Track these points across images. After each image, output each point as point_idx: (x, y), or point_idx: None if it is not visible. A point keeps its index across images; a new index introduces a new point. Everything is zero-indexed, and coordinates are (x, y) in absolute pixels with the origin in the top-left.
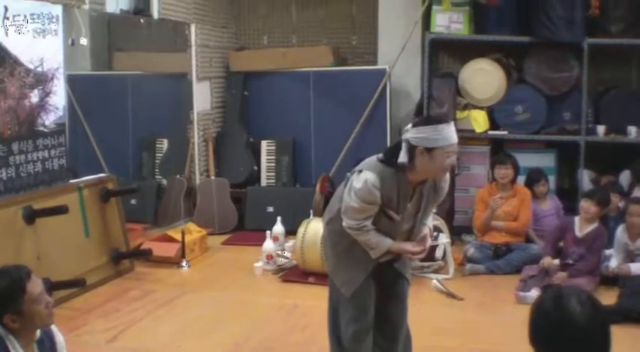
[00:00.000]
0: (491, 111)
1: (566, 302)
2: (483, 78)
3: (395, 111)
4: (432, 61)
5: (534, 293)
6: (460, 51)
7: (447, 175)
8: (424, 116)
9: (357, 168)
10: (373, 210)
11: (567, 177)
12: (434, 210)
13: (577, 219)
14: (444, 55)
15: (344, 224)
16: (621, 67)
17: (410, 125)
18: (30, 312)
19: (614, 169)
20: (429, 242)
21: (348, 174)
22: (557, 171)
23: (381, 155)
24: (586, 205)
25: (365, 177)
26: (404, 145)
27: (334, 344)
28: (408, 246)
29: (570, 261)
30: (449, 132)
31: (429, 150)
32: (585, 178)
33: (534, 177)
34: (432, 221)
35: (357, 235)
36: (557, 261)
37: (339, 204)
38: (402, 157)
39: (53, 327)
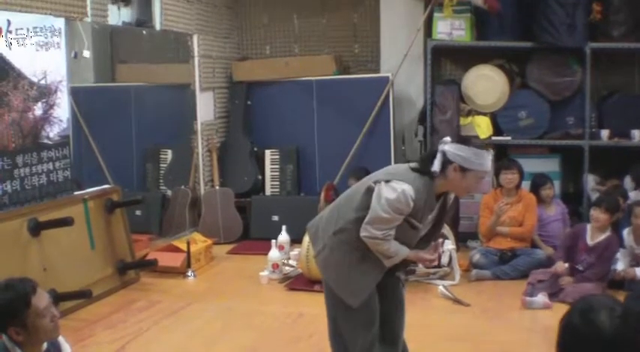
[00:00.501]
0: (494, 117)
1: (595, 316)
2: (486, 84)
3: (398, 118)
4: (435, 68)
5: (541, 298)
6: (462, 57)
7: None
8: (465, 136)
9: (382, 177)
10: (400, 220)
11: (572, 181)
12: None
13: (589, 226)
14: (446, 62)
15: (365, 234)
16: (624, 71)
17: (449, 138)
18: (34, 326)
19: (618, 173)
20: (441, 249)
21: (372, 184)
22: (562, 176)
23: (413, 164)
24: (595, 214)
25: (401, 187)
26: (439, 155)
27: None
28: (424, 254)
29: (580, 268)
30: (488, 160)
31: (464, 170)
32: (590, 183)
33: (539, 182)
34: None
35: (377, 245)
36: (566, 265)
37: (355, 214)
38: (436, 166)
39: (60, 338)
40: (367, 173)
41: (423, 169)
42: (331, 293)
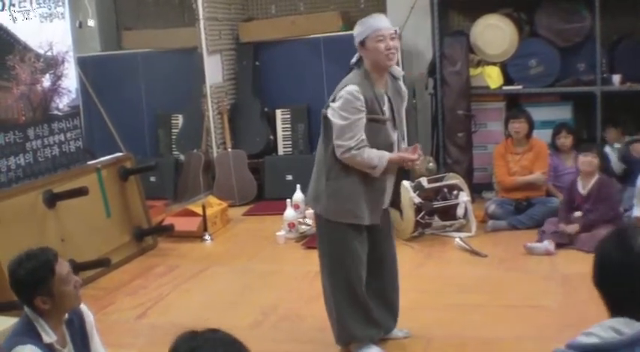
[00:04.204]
0: (504, 67)
1: (630, 239)
2: (495, 33)
3: (407, 71)
4: (442, 20)
5: (543, 244)
6: (470, 7)
7: (403, 84)
8: None
9: (329, 100)
10: (362, 120)
11: (585, 128)
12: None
13: (578, 178)
14: (453, 13)
15: (339, 151)
16: (634, 14)
17: None
18: (60, 293)
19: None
20: (420, 151)
21: (324, 110)
22: (575, 123)
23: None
24: (588, 159)
25: (343, 91)
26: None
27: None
28: (404, 154)
29: (579, 214)
30: (375, 20)
31: (363, 43)
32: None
33: (554, 130)
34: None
35: (356, 156)
36: (579, 213)
37: (328, 147)
38: (353, 59)
39: (82, 307)
40: None
41: (350, 66)
42: (326, 235)
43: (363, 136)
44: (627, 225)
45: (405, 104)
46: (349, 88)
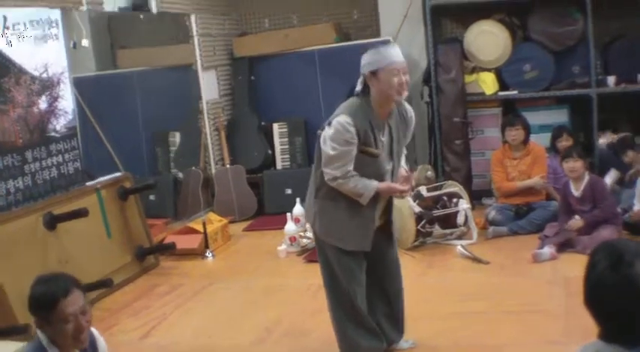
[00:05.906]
0: (499, 72)
1: (628, 266)
2: (488, 39)
3: None
4: (435, 28)
5: (547, 249)
6: (462, 15)
7: (409, 107)
8: None
9: (326, 122)
10: (352, 152)
11: (582, 131)
12: (405, 152)
13: (570, 181)
14: (446, 21)
15: (326, 178)
16: (627, 15)
17: None
18: (56, 328)
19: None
20: (413, 180)
21: (319, 131)
22: (572, 127)
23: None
24: (570, 165)
25: (336, 120)
26: (360, 78)
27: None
28: (395, 185)
29: (578, 217)
30: (389, 52)
31: (374, 73)
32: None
33: (554, 134)
34: (405, 163)
35: (342, 185)
36: (577, 217)
37: (319, 168)
38: (357, 86)
39: (95, 332)
40: None
41: (354, 93)
42: (328, 246)
43: (350, 167)
44: (623, 244)
45: (412, 128)
46: (341, 119)
